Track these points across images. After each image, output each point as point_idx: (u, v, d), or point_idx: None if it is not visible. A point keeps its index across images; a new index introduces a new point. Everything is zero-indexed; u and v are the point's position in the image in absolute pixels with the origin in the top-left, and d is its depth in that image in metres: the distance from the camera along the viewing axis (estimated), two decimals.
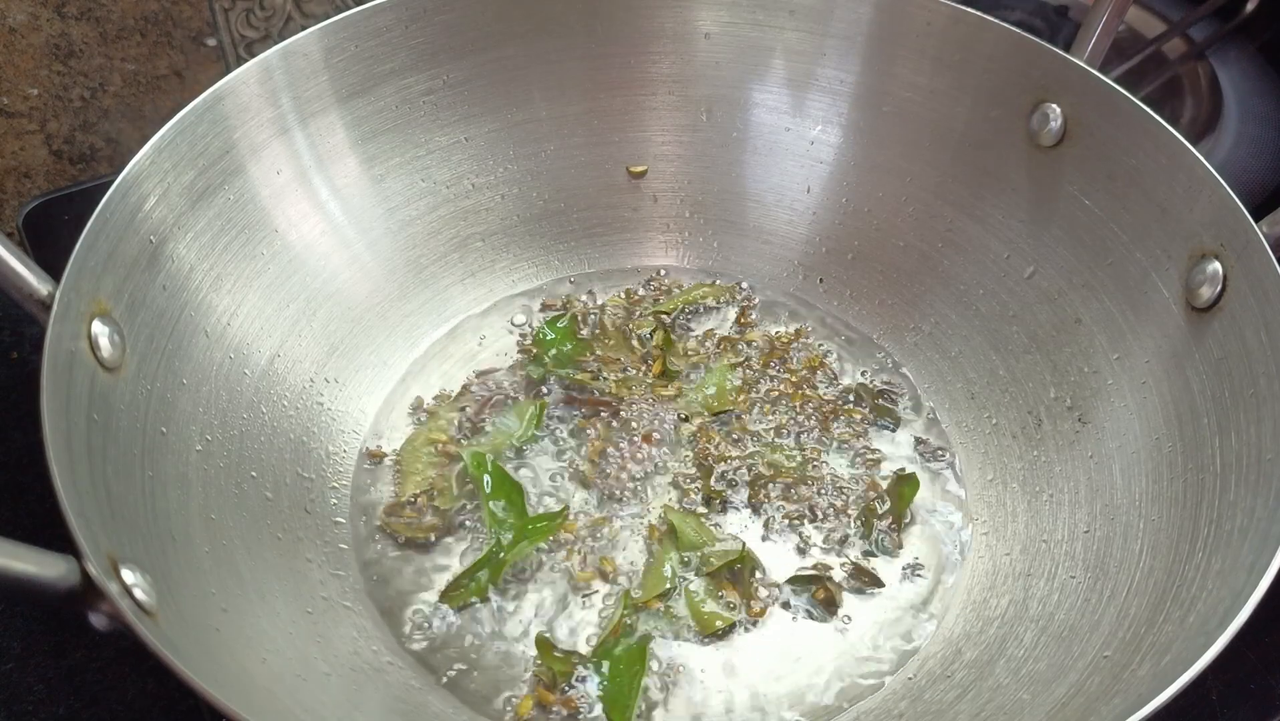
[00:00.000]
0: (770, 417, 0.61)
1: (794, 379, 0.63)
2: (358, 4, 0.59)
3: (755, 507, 0.57)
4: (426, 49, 0.62)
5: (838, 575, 0.55)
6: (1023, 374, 0.60)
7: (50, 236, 0.69)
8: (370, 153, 0.62)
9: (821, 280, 0.67)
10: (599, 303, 0.67)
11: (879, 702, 0.51)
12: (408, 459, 0.59)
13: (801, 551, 0.56)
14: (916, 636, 0.53)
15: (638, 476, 0.59)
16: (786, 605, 0.54)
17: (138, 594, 0.39)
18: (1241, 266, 0.49)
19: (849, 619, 0.54)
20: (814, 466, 0.59)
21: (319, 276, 0.61)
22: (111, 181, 0.49)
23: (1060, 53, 0.57)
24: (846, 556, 0.56)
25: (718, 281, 0.68)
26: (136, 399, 0.48)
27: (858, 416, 0.61)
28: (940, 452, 0.60)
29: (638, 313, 0.66)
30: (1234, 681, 0.52)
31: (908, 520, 0.57)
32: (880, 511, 0.57)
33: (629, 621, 0.53)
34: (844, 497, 0.58)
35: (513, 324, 0.66)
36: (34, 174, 0.74)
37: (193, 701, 0.50)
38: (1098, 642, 0.47)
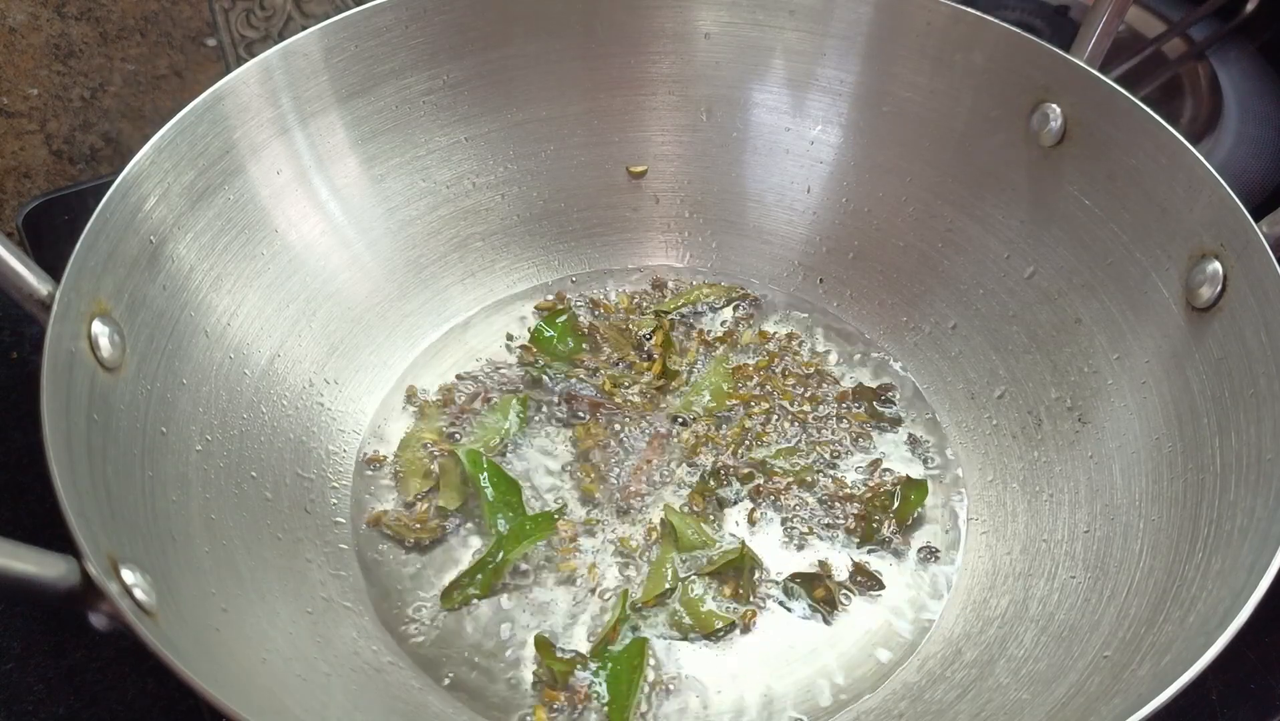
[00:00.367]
0: (770, 418, 0.61)
1: (794, 379, 0.63)
2: (358, 4, 0.59)
3: (755, 508, 0.57)
4: (426, 49, 0.62)
5: (838, 575, 0.55)
6: (1023, 374, 0.60)
7: (50, 236, 0.69)
8: (370, 153, 0.63)
9: (821, 280, 0.67)
10: (599, 302, 0.67)
11: (879, 702, 0.51)
12: (406, 460, 0.59)
13: (801, 551, 0.56)
14: (916, 636, 0.53)
15: (637, 476, 0.58)
16: (786, 605, 0.54)
17: (138, 594, 0.39)
18: (1241, 266, 0.49)
19: (849, 619, 0.54)
20: (814, 466, 0.59)
21: (319, 276, 0.61)
22: (111, 181, 0.49)
23: (1060, 53, 0.57)
24: (846, 556, 0.56)
25: (720, 282, 0.68)
26: (136, 399, 0.48)
27: (857, 416, 0.61)
28: (939, 453, 0.60)
29: (638, 312, 0.66)
30: (1234, 681, 0.52)
31: (908, 521, 0.57)
32: (881, 511, 0.57)
33: (628, 621, 0.53)
34: (844, 497, 0.58)
35: (512, 323, 0.66)
36: (34, 174, 0.74)
37: (193, 701, 0.50)
38: (1098, 642, 0.47)
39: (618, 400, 0.61)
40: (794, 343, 0.65)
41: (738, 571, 0.54)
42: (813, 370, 0.63)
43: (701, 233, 0.70)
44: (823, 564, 0.55)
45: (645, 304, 0.67)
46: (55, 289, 0.44)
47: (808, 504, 0.57)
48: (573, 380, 0.62)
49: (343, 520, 0.57)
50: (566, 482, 0.59)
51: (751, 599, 0.54)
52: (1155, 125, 0.53)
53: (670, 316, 0.66)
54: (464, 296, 0.67)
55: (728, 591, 0.54)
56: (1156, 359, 0.53)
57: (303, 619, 0.50)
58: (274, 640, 0.48)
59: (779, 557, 0.56)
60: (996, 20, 0.59)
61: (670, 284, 0.68)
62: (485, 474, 0.56)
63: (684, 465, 0.59)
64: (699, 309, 0.67)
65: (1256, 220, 0.49)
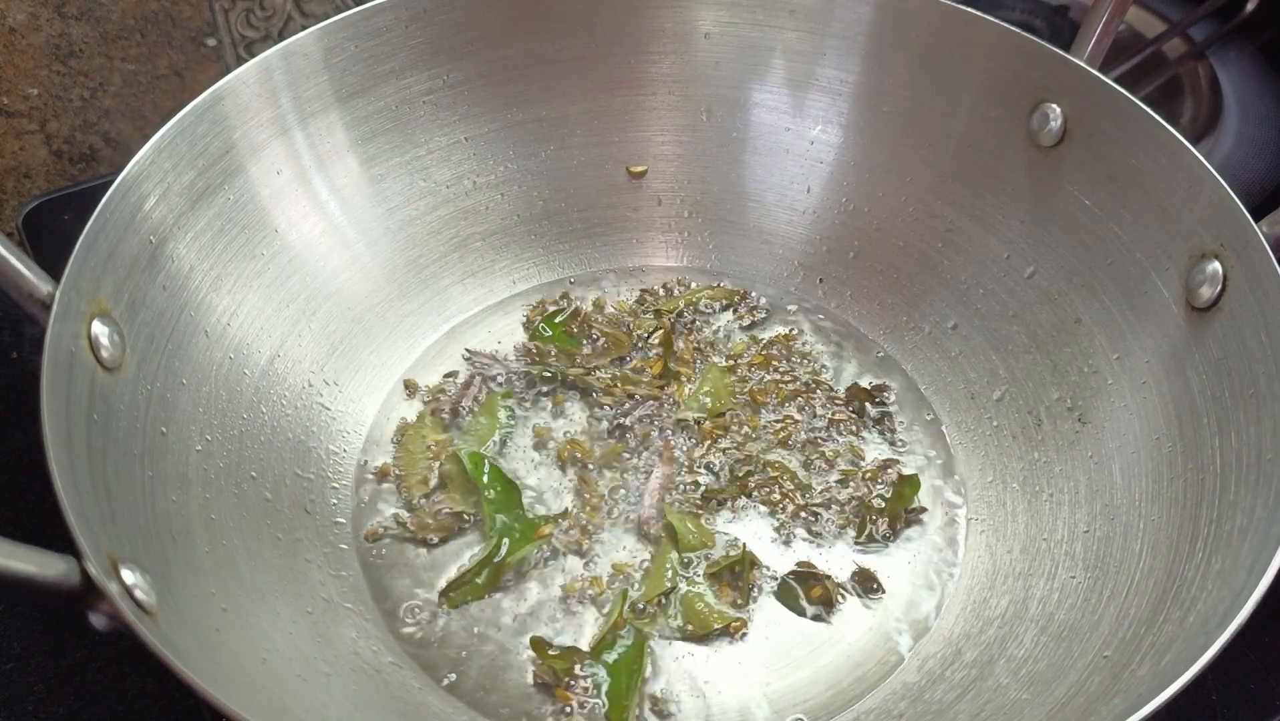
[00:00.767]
0: (770, 418, 0.61)
1: (793, 379, 0.63)
2: (358, 4, 0.59)
3: (754, 508, 0.57)
4: (426, 49, 0.62)
5: (837, 575, 0.55)
6: (1023, 374, 0.60)
7: (50, 236, 0.69)
8: (370, 153, 0.63)
9: (821, 280, 0.67)
10: (599, 302, 0.67)
11: (879, 702, 0.51)
12: (405, 461, 0.59)
13: (800, 551, 0.56)
14: (916, 636, 0.53)
15: (637, 476, 0.59)
16: (785, 605, 0.54)
17: (138, 594, 0.39)
18: (1241, 266, 0.49)
19: (848, 619, 0.54)
20: (813, 466, 0.59)
21: (319, 276, 0.61)
22: (111, 181, 0.49)
23: (1060, 53, 0.57)
24: (846, 556, 0.56)
25: (721, 284, 0.68)
26: (136, 399, 0.48)
27: (857, 416, 0.61)
28: (939, 453, 0.60)
29: (638, 313, 0.66)
30: (1234, 681, 0.52)
31: (906, 520, 0.57)
32: (878, 510, 0.57)
33: (628, 622, 0.53)
34: (843, 497, 0.58)
35: (512, 323, 0.66)
36: (34, 174, 0.74)
37: (193, 701, 0.50)
38: (1098, 642, 0.47)
39: (617, 399, 0.61)
40: (793, 343, 0.65)
41: (737, 571, 0.54)
42: (812, 370, 0.63)
43: (701, 232, 0.70)
44: (822, 562, 0.55)
45: (645, 304, 0.67)
46: (55, 289, 0.44)
47: (807, 504, 0.57)
48: (571, 379, 0.62)
49: (343, 520, 0.57)
50: (566, 483, 0.59)
51: (751, 599, 0.54)
52: (1155, 125, 0.53)
53: (670, 317, 0.66)
54: (464, 296, 0.67)
55: (727, 591, 0.54)
56: (1156, 359, 0.53)
57: (303, 619, 0.50)
58: (274, 640, 0.48)
59: (778, 557, 0.56)
60: (996, 20, 0.59)
61: (671, 284, 0.68)
62: (486, 475, 0.56)
63: (683, 466, 0.59)
64: (700, 309, 0.67)
65: (1256, 220, 0.49)
